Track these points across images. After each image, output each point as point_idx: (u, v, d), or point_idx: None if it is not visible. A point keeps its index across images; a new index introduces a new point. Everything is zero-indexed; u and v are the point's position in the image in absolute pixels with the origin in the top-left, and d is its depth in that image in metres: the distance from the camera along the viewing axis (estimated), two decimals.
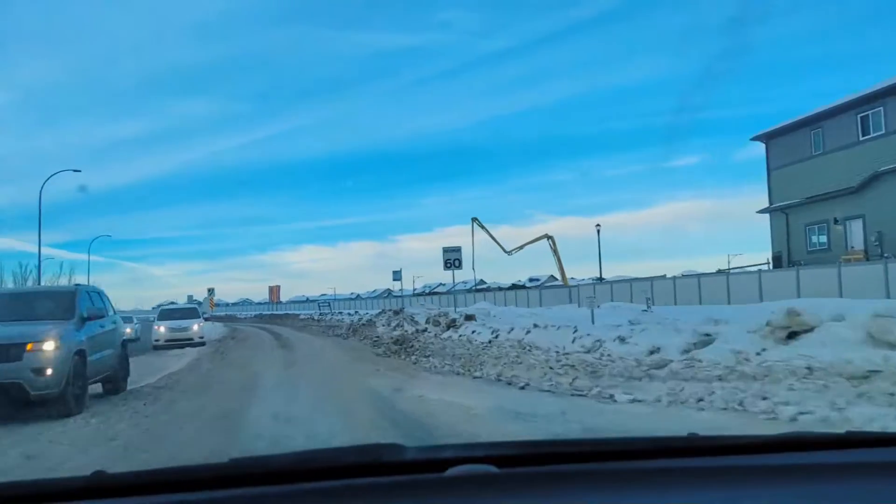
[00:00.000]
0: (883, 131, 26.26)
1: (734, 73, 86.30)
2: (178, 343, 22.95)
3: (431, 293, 73.94)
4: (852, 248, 27.52)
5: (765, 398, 6.28)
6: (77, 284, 12.57)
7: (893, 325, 6.99)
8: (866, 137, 27.09)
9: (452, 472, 1.35)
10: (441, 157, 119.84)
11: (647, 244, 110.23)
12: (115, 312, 12.21)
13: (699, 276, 35.27)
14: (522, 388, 8.97)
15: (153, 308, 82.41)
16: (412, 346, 17.40)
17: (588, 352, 10.07)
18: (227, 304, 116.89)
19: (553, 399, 7.83)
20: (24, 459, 6.08)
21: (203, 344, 23.65)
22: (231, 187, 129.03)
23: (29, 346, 8.21)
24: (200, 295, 54.43)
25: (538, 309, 31.29)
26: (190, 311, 26.68)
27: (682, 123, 79.01)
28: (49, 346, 8.37)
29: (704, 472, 1.45)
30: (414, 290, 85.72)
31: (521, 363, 10.20)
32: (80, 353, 8.98)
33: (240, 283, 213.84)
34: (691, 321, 14.30)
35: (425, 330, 19.86)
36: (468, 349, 13.84)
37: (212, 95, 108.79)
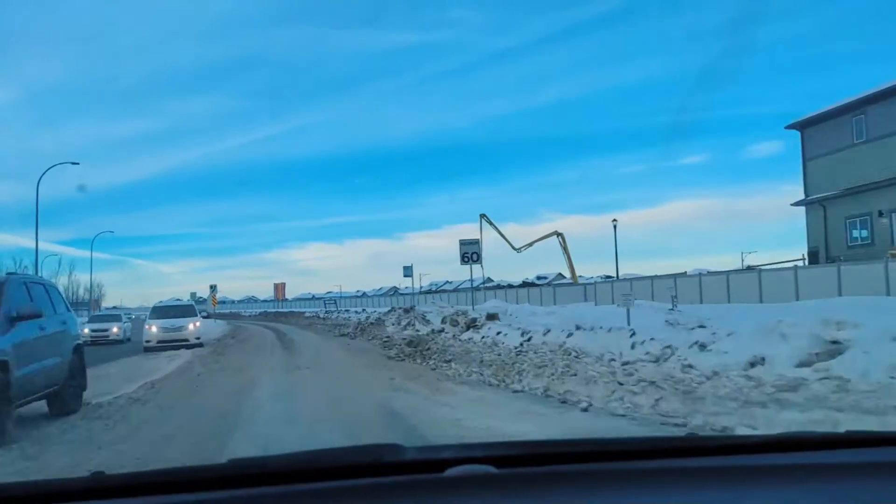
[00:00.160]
0: None
1: (738, 73, 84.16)
2: (172, 344, 20.64)
3: (438, 291, 72.03)
4: None
5: None
6: (10, 273, 9.34)
7: None
8: None
9: (451, 472, 1.34)
10: (448, 155, 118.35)
11: (655, 243, 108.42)
12: (68, 310, 9.87)
13: (727, 273, 33.27)
14: (585, 409, 7.02)
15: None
16: (428, 348, 15.47)
17: (657, 361, 8.11)
18: (233, 302, 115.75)
19: (639, 430, 5.84)
20: None
21: (200, 345, 21.45)
22: (238, 185, 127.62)
23: None
24: (205, 292, 52.63)
25: (554, 307, 29.38)
26: (185, 309, 23.96)
27: (687, 122, 76.99)
28: None
29: (704, 472, 1.44)
30: (420, 288, 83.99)
31: (573, 374, 8.22)
32: (1, 366, 6.77)
33: (246, 280, 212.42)
34: (748, 321, 12.37)
35: (442, 330, 17.92)
36: (498, 354, 11.90)
37: (220, 93, 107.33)
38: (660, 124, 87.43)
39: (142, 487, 1.32)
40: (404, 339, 19.29)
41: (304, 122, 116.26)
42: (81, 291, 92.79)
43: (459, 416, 6.79)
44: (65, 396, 8.56)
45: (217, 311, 59.31)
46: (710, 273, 35.77)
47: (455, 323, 17.82)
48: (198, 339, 21.98)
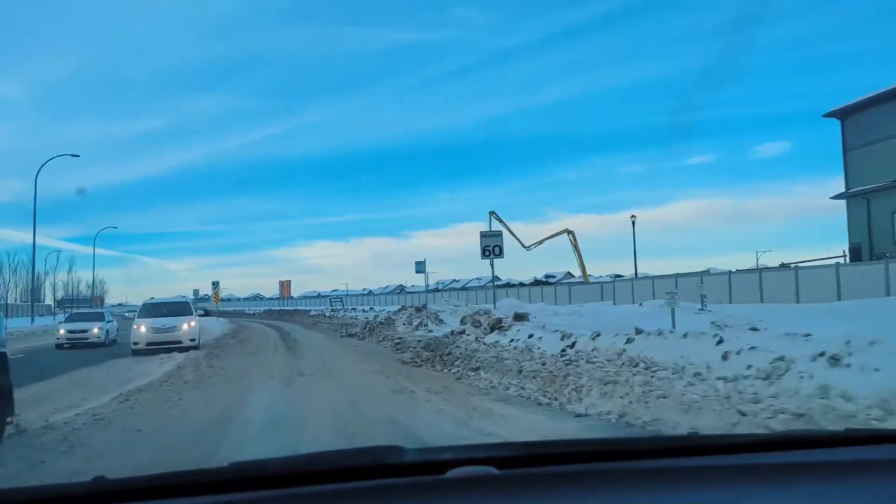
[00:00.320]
0: None
1: (744, 72, 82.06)
2: (164, 347, 18.32)
3: (446, 289, 70.24)
4: None
5: None
6: None
7: None
8: None
9: (453, 473, 1.33)
10: (455, 154, 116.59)
11: (663, 242, 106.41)
12: None
13: (760, 270, 31.29)
14: None
15: None
16: (449, 353, 13.57)
17: (767, 378, 6.17)
18: (239, 299, 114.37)
19: None
20: None
21: (196, 347, 19.19)
22: (243, 183, 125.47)
23: None
24: (209, 290, 50.82)
25: (573, 307, 27.44)
26: (179, 307, 21.34)
27: (692, 121, 74.79)
28: None
29: (704, 471, 1.42)
30: (426, 286, 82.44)
31: (662, 396, 6.29)
32: None
33: (251, 278, 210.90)
34: (826, 325, 10.51)
35: (462, 332, 16.02)
36: (541, 362, 9.99)
37: (225, 92, 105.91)
38: (663, 124, 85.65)
39: (143, 491, 1.31)
40: (419, 340, 17.43)
41: (309, 120, 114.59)
42: (83, 288, 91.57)
43: None
44: None
45: (221, 309, 57.62)
46: (739, 271, 33.80)
47: (477, 324, 15.92)
48: (193, 340, 19.58)
